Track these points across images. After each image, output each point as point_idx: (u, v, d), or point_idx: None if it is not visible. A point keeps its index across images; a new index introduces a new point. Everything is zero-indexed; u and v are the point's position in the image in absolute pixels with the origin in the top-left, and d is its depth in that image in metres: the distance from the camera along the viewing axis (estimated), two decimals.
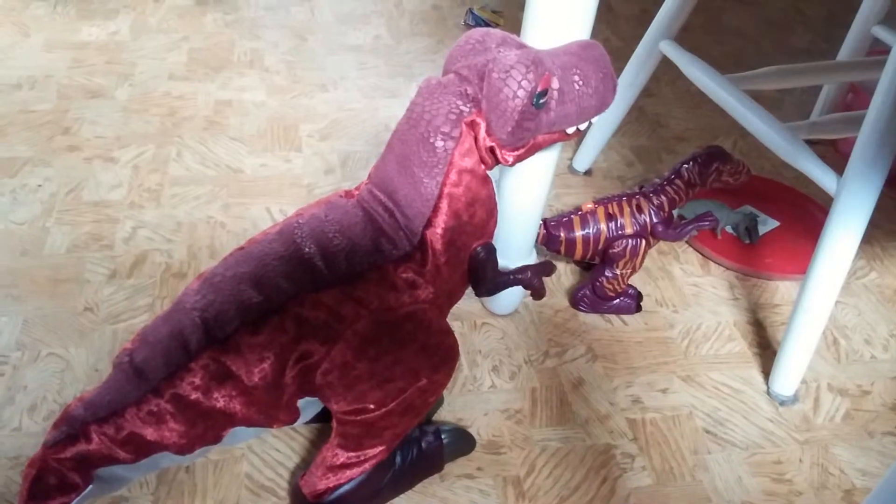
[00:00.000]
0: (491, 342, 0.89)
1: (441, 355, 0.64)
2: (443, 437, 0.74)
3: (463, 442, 0.76)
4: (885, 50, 0.73)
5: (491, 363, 0.87)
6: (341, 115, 1.27)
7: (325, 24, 1.55)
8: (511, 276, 0.72)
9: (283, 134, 1.21)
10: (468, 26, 1.58)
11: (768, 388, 0.86)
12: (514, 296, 0.92)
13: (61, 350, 0.84)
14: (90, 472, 0.59)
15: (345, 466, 0.67)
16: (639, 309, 0.95)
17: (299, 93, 1.32)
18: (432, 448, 0.73)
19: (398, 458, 0.70)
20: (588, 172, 1.20)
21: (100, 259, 0.96)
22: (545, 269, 0.75)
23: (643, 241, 0.91)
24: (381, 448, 0.67)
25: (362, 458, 0.66)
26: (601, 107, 0.66)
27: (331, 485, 0.67)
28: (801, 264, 1.00)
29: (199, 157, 1.15)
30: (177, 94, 1.28)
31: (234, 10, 1.57)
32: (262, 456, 0.76)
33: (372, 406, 0.62)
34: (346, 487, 0.67)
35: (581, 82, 0.63)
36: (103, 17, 1.49)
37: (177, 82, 1.32)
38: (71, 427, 0.58)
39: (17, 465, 0.72)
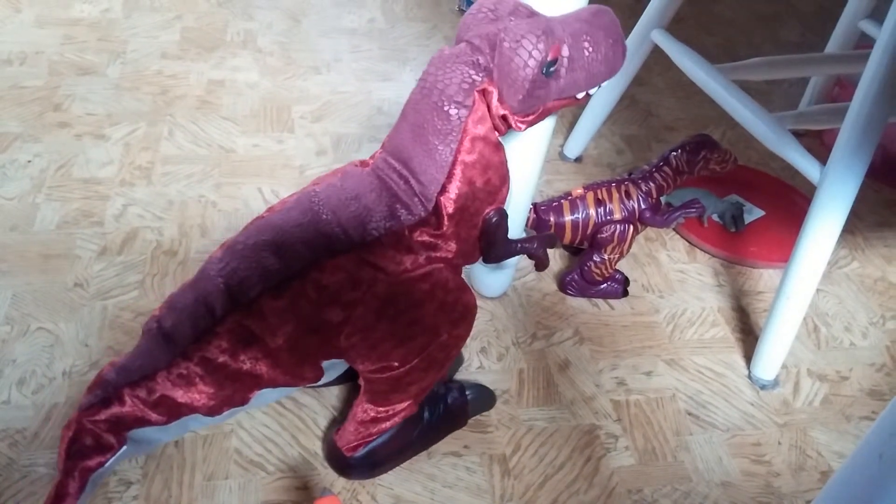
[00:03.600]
0: (480, 324, 0.91)
1: (459, 311, 0.67)
2: (467, 393, 0.78)
3: (486, 398, 0.81)
4: (872, 44, 0.75)
5: (479, 344, 0.88)
6: (334, 98, 1.27)
7: (319, 7, 1.55)
8: (519, 245, 0.75)
9: (276, 115, 1.22)
10: (462, 12, 1.58)
11: (750, 372, 0.88)
12: (503, 278, 0.93)
13: (51, 325, 0.84)
14: (124, 434, 0.62)
15: (375, 421, 0.70)
16: (625, 294, 0.97)
17: (292, 74, 1.32)
18: (458, 403, 0.77)
19: (426, 414, 0.74)
20: (579, 159, 1.21)
21: (90, 235, 0.96)
22: (550, 240, 0.78)
23: (631, 227, 0.92)
24: (408, 402, 0.70)
25: (391, 412, 0.70)
26: (610, 72, 0.67)
27: (363, 439, 0.71)
28: (784, 253, 1.01)
29: (190, 136, 1.15)
30: (169, 73, 1.28)
31: None
32: (251, 431, 0.77)
33: (396, 363, 0.65)
34: (379, 441, 0.71)
35: (591, 49, 0.64)
36: None
37: (169, 61, 1.31)
38: (105, 391, 0.61)
39: (5, 438, 0.73)
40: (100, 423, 0.61)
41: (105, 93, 1.21)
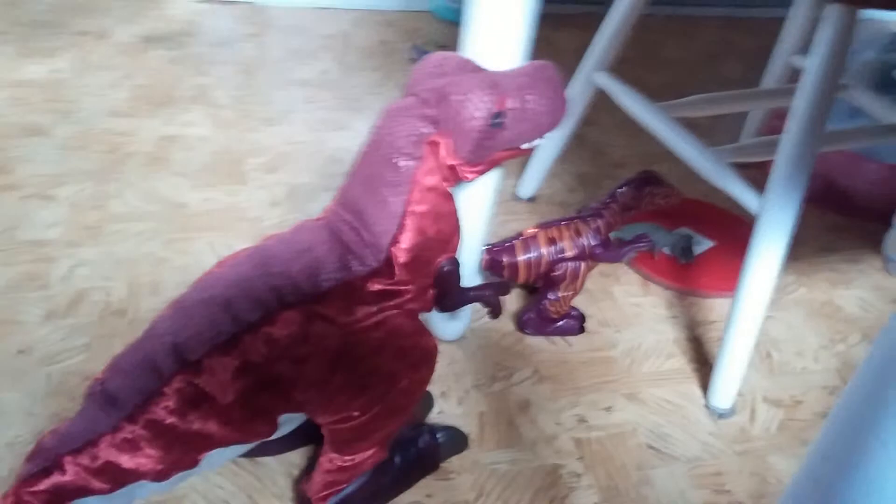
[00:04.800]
0: (439, 368, 0.90)
1: (418, 355, 0.66)
2: (438, 436, 0.77)
3: (457, 440, 0.80)
4: None
5: (439, 389, 0.88)
6: (288, 148, 1.28)
7: (272, 59, 1.56)
8: (473, 293, 0.75)
9: (228, 168, 1.21)
10: (414, 60, 1.61)
11: (707, 401, 0.89)
12: (461, 321, 0.93)
13: None
14: None
15: (342, 470, 0.69)
16: (582, 330, 0.97)
17: (245, 127, 1.32)
18: (429, 447, 0.76)
19: (397, 459, 0.73)
20: (532, 199, 1.23)
21: (35, 299, 0.94)
22: (503, 288, 0.80)
23: (583, 264, 0.93)
24: (373, 449, 0.69)
25: (357, 460, 0.69)
26: (553, 123, 0.69)
27: (332, 488, 0.69)
28: (733, 282, 1.03)
29: (140, 193, 1.14)
30: (119, 131, 1.27)
31: (179, 46, 1.57)
32: (206, 494, 0.74)
33: (356, 413, 0.64)
34: (349, 489, 0.70)
35: (534, 101, 0.66)
36: (45, 54, 1.47)
37: (119, 119, 1.31)
38: (45, 459, 0.58)
39: None
40: (39, 494, 0.58)
41: (52, 153, 1.20)
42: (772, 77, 1.26)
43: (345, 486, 0.70)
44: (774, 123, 1.33)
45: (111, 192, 1.13)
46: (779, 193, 0.77)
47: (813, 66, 0.75)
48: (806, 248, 1.17)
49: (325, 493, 0.70)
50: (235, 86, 1.44)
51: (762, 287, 0.80)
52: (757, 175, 1.28)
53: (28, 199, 1.10)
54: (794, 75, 1.26)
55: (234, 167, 1.22)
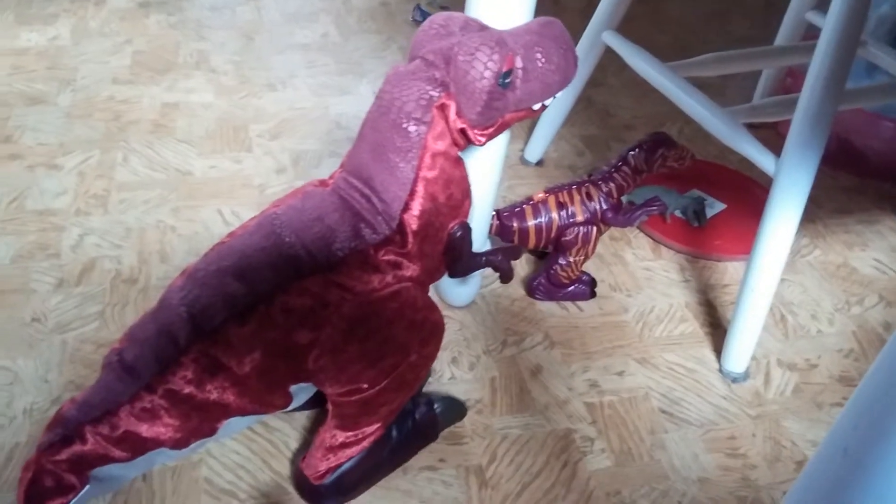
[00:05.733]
0: (449, 334, 0.90)
1: (428, 329, 0.66)
2: (435, 406, 0.76)
3: (455, 410, 0.80)
4: (818, 35, 0.76)
5: (450, 355, 0.88)
6: (291, 115, 1.26)
7: (271, 24, 1.53)
8: (484, 258, 0.75)
9: (233, 135, 1.20)
10: (417, 22, 1.58)
11: (720, 366, 0.89)
12: (471, 287, 0.92)
13: (8, 362, 0.82)
14: (86, 473, 0.60)
15: (344, 446, 0.68)
16: (593, 295, 0.97)
17: (248, 93, 1.30)
18: (426, 418, 0.76)
19: (394, 432, 0.73)
20: (540, 163, 1.21)
21: (46, 268, 0.93)
22: (514, 252, 0.79)
23: (594, 228, 0.92)
24: (377, 425, 0.69)
25: (360, 436, 0.68)
26: (564, 82, 0.67)
27: (332, 465, 0.69)
28: (747, 245, 1.02)
29: (146, 160, 1.13)
30: (121, 98, 1.26)
31: (177, 11, 1.54)
32: (221, 459, 0.75)
33: (366, 385, 0.64)
34: (347, 465, 0.69)
35: (544, 59, 0.64)
36: (43, 21, 1.45)
37: (121, 86, 1.29)
38: (65, 429, 0.59)
39: None
40: (60, 463, 0.59)
41: (56, 122, 1.19)
42: (785, 34, 1.23)
43: (344, 462, 0.69)
44: (789, 82, 1.31)
45: (117, 161, 1.12)
46: (796, 154, 0.76)
47: (833, 20, 0.73)
48: (820, 210, 1.16)
49: (323, 469, 0.69)
50: (235, 51, 1.42)
51: (778, 249, 0.79)
52: (769, 136, 1.26)
53: (35, 168, 1.09)
54: (807, 32, 1.23)
55: (239, 134, 1.20)
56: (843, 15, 0.73)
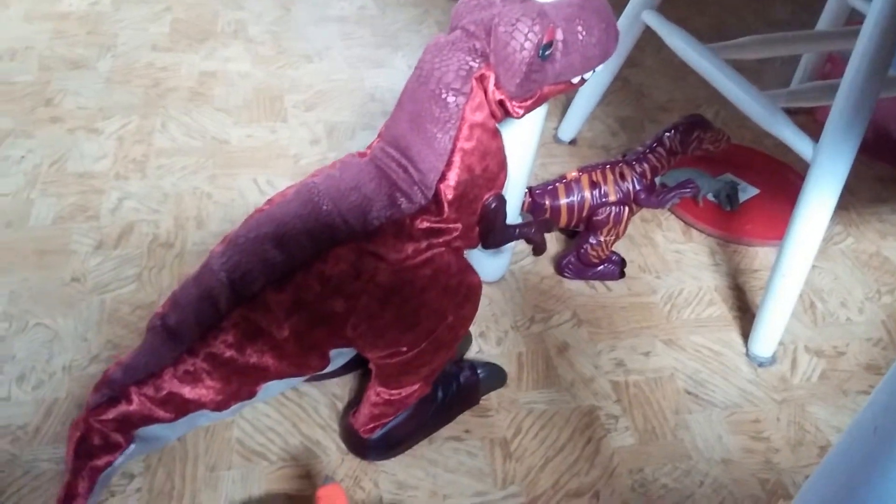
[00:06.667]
0: (478, 308, 0.91)
1: (464, 292, 0.67)
2: (479, 371, 0.79)
3: (497, 375, 0.82)
4: (862, 20, 0.75)
5: (478, 329, 0.89)
6: (327, 86, 1.27)
7: None
8: (518, 230, 0.76)
9: (269, 105, 1.21)
10: None
11: (747, 350, 0.89)
12: (500, 262, 0.93)
13: (49, 320, 0.84)
14: (131, 432, 0.63)
15: (389, 403, 0.71)
16: (622, 275, 0.97)
17: (284, 63, 1.31)
18: (470, 382, 0.78)
19: (440, 393, 0.76)
20: (573, 142, 1.21)
21: (86, 230, 0.96)
22: (547, 225, 0.80)
23: (626, 209, 0.92)
24: (419, 384, 0.71)
25: (403, 394, 0.71)
26: (605, 56, 0.67)
27: (379, 420, 0.72)
28: (779, 230, 1.02)
29: (184, 127, 1.14)
30: (160, 65, 1.27)
31: None
32: (253, 422, 0.77)
33: (405, 348, 0.66)
34: (394, 422, 0.73)
35: (584, 33, 0.64)
36: None
37: (160, 53, 1.30)
38: (111, 390, 0.61)
39: (6, 435, 0.73)
40: (107, 423, 0.61)
41: (96, 86, 1.21)
42: (827, 19, 1.21)
43: (391, 418, 0.72)
44: (828, 68, 1.28)
45: (155, 127, 1.14)
46: (835, 140, 0.75)
47: (878, 4, 0.72)
48: (854, 198, 1.14)
49: (371, 425, 0.72)
50: (272, 21, 1.43)
51: (811, 236, 0.79)
52: (805, 122, 1.24)
53: (75, 132, 1.11)
54: (849, 19, 1.20)
55: (275, 104, 1.21)
56: (889, 0, 0.71)
